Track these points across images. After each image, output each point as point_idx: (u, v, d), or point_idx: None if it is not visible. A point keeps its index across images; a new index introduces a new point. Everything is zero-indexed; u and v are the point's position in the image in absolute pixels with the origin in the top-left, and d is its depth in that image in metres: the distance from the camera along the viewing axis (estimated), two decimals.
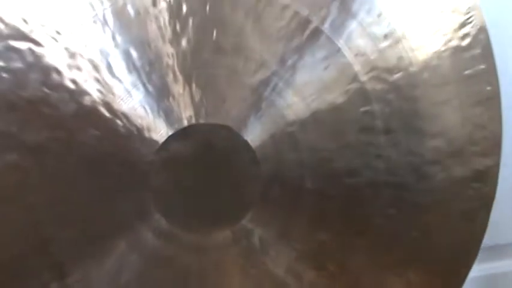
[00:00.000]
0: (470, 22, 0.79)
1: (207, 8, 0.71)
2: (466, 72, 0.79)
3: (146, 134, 0.71)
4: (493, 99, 0.81)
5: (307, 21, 0.73)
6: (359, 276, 0.83)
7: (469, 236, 0.85)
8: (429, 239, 0.84)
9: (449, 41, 0.78)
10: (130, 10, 0.71)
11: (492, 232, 0.89)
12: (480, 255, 0.89)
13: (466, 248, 0.86)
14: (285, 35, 0.73)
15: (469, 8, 0.79)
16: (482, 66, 0.80)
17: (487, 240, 0.89)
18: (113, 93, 0.71)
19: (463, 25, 0.79)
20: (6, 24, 0.69)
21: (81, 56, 0.70)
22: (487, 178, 0.84)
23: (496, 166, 0.83)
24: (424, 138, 0.79)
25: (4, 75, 0.69)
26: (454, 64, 0.79)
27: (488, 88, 0.81)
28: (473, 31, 0.79)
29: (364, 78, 0.75)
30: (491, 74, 0.81)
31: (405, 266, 0.83)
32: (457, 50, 0.79)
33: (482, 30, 0.79)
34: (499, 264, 1.31)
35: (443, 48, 0.78)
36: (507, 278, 1.34)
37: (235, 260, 0.77)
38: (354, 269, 0.82)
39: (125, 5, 0.70)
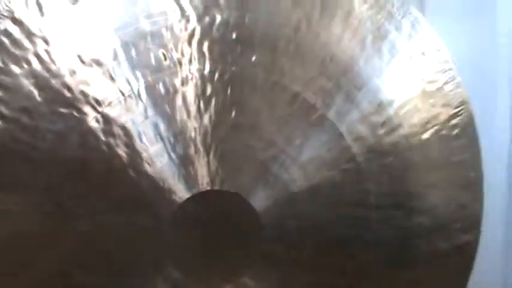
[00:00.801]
0: (460, 115, 0.89)
1: (229, 91, 0.82)
2: (453, 158, 0.89)
3: (167, 195, 0.82)
4: (476, 184, 0.91)
5: (314, 108, 0.83)
6: None
7: None
8: None
9: (440, 130, 0.88)
10: (161, 88, 0.81)
11: None
12: None
13: None
14: (294, 118, 0.83)
15: (460, 102, 0.89)
16: (468, 155, 0.90)
17: None
18: (140, 158, 0.81)
19: (453, 117, 0.89)
20: (52, 91, 0.80)
21: (116, 123, 0.81)
22: (467, 251, 0.93)
23: (475, 241, 0.93)
24: (411, 215, 0.89)
25: (49, 135, 0.80)
26: (443, 151, 0.89)
27: (472, 174, 0.91)
28: (461, 123, 0.89)
29: (360, 159, 0.85)
30: (475, 161, 0.91)
31: None
32: (447, 138, 0.89)
33: (470, 123, 0.89)
34: None
35: (434, 137, 0.88)
36: None
37: None
38: None
39: (156, 83, 0.81)
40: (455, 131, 0.89)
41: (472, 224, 0.92)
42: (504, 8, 1.36)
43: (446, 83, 0.88)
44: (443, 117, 0.88)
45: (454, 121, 0.89)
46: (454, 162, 0.89)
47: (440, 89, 0.88)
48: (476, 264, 0.96)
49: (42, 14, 0.80)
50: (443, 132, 0.88)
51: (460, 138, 0.89)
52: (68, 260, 0.82)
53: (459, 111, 0.89)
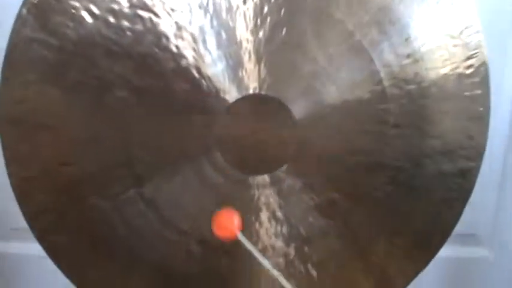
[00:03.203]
0: (476, 56, 1.04)
1: (282, 11, 0.98)
2: (465, 93, 1.04)
3: (221, 95, 0.98)
4: (483, 118, 1.05)
5: (352, 34, 0.99)
6: (357, 233, 1.09)
7: (446, 219, 1.10)
8: (415, 215, 1.09)
9: (456, 68, 1.03)
10: (227, 3, 0.97)
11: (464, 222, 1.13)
12: (453, 239, 1.15)
13: (442, 228, 1.11)
14: (335, 42, 0.99)
15: (476, 45, 1.04)
16: (479, 92, 1.05)
17: (460, 228, 1.14)
18: (203, 61, 0.97)
19: (469, 58, 1.04)
20: None
21: (186, 29, 0.97)
22: (469, 177, 1.08)
23: (477, 169, 1.08)
24: (424, 136, 1.04)
25: (128, 33, 0.96)
26: (457, 86, 1.03)
27: (481, 109, 1.05)
28: (476, 63, 1.04)
29: (386, 83, 1.01)
30: (485, 98, 1.05)
31: (393, 232, 1.09)
32: (461, 76, 1.03)
33: (484, 64, 1.04)
34: (466, 250, 1.59)
35: (450, 73, 1.03)
36: (471, 262, 1.60)
37: (267, 199, 1.03)
38: (353, 227, 1.08)
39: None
40: (470, 70, 1.03)
41: (476, 153, 1.07)
42: None
43: (466, 27, 1.02)
44: (460, 56, 1.03)
45: (469, 61, 1.03)
46: (466, 96, 1.04)
47: (461, 32, 1.02)
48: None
49: None
50: (459, 69, 1.03)
51: (473, 76, 1.03)
52: (128, 137, 0.99)
53: (475, 53, 1.03)
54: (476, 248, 1.69)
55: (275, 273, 0.91)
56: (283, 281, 0.91)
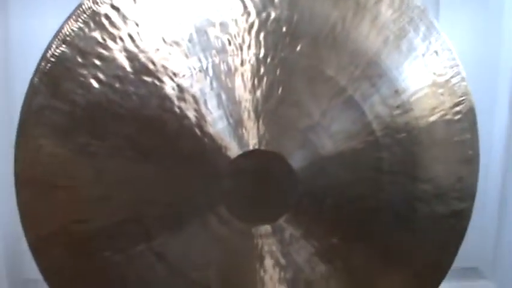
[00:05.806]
0: (463, 103, 1.10)
1: (278, 71, 1.04)
2: (455, 138, 1.10)
3: (223, 151, 1.04)
4: (473, 161, 1.11)
5: (344, 90, 1.05)
6: (357, 273, 1.14)
7: (442, 259, 1.15)
8: (413, 255, 1.14)
9: (445, 115, 1.09)
10: (225, 66, 1.03)
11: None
12: (455, 273, 1.20)
13: (438, 267, 1.16)
14: (328, 97, 1.05)
15: (463, 93, 1.09)
16: (468, 136, 1.10)
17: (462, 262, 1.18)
18: (205, 120, 1.03)
19: (456, 105, 1.09)
20: (140, 63, 1.02)
21: (187, 92, 1.03)
22: (462, 217, 1.14)
23: (469, 209, 1.13)
24: (416, 181, 1.09)
25: (134, 97, 1.03)
26: (446, 132, 1.09)
27: (470, 152, 1.11)
28: (464, 110, 1.10)
29: (378, 134, 1.07)
30: (474, 142, 1.11)
31: (392, 269, 1.14)
32: (450, 122, 1.09)
33: (471, 110, 1.10)
34: (469, 283, 1.64)
35: (439, 120, 1.09)
36: None
37: (270, 247, 1.09)
38: (354, 267, 1.13)
39: (220, 62, 1.03)
40: (458, 116, 1.09)
41: (468, 194, 1.12)
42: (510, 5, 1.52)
43: (452, 76, 1.08)
44: (448, 104, 1.08)
45: (457, 108, 1.09)
46: (455, 141, 1.09)
47: (447, 81, 1.08)
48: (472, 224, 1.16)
49: (134, 1, 1.02)
50: (448, 116, 1.09)
51: (462, 122, 1.09)
52: (137, 195, 1.04)
53: (462, 100, 1.09)
54: (478, 281, 1.71)
55: None
56: None
